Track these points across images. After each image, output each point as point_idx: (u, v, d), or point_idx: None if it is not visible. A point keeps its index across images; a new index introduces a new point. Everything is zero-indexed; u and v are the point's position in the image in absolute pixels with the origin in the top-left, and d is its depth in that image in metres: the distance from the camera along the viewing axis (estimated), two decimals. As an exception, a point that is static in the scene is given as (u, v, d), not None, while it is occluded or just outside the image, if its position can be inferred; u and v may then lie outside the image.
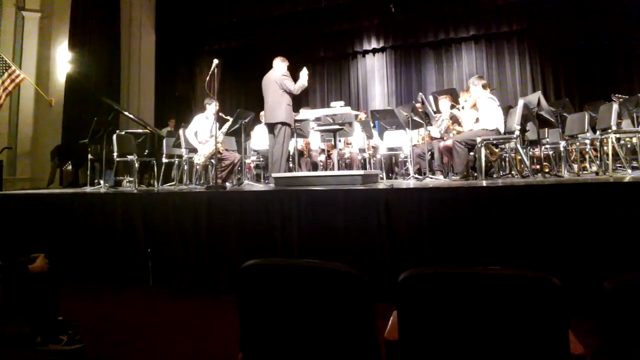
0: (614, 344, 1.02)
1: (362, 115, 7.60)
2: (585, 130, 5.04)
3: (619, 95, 6.07)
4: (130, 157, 5.93)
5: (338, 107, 5.31)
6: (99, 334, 2.81)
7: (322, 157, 7.08)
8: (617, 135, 4.74)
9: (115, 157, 5.81)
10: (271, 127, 5.40)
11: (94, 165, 6.45)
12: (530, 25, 9.87)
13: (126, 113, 7.09)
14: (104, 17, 9.61)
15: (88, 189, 5.80)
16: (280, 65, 5.48)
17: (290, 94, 5.33)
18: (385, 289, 2.95)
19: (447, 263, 3.07)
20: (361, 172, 4.84)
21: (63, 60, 8.42)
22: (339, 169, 5.57)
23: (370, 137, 6.87)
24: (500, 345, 1.05)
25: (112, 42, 9.79)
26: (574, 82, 9.68)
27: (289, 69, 5.50)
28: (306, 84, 5.37)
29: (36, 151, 7.80)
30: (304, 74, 5.35)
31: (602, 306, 1.03)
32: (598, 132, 4.96)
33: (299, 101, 10.44)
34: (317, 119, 5.91)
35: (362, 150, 7.10)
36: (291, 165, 6.52)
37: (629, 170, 4.92)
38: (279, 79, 5.28)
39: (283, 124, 5.26)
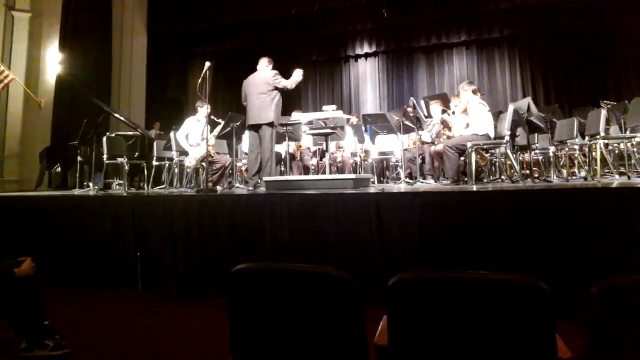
0: (600, 347, 1.03)
1: (354, 119, 7.62)
2: (574, 135, 5.09)
3: (608, 102, 6.15)
4: (120, 160, 5.89)
5: (330, 111, 5.31)
6: (86, 338, 2.78)
7: (314, 161, 7.08)
8: (605, 141, 4.79)
9: (105, 159, 5.76)
10: (256, 127, 5.32)
11: (83, 168, 6.38)
12: (521, 31, 9.98)
13: (116, 115, 7.03)
14: (95, 18, 9.53)
15: (77, 191, 5.75)
16: (267, 67, 5.44)
17: (284, 91, 5.29)
18: (376, 293, 2.96)
19: (438, 267, 3.09)
20: (352, 176, 4.85)
21: (53, 61, 8.33)
22: (330, 173, 5.57)
23: (361, 141, 6.89)
24: (488, 349, 1.06)
25: (103, 43, 9.72)
26: (564, 88, 9.80)
27: (279, 70, 5.45)
28: (300, 78, 5.32)
29: (24, 153, 7.70)
30: (297, 72, 5.32)
31: (589, 310, 1.04)
32: (587, 138, 5.01)
33: (291, 104, 10.47)
34: (309, 123, 5.92)
35: (353, 154, 7.12)
36: (282, 168, 6.51)
37: (617, 176, 4.98)
38: (270, 79, 5.22)
39: (270, 124, 5.21)
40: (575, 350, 1.18)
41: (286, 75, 5.32)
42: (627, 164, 5.17)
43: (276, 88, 5.22)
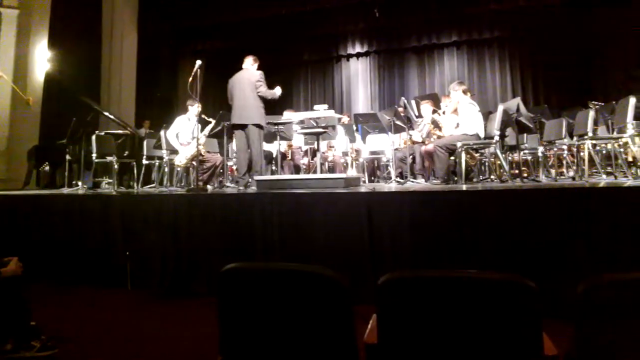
0: (586, 345, 1.05)
1: (345, 119, 7.63)
2: (563, 136, 5.14)
3: (595, 102, 6.22)
4: (109, 158, 5.84)
5: (321, 110, 5.31)
6: (74, 338, 2.75)
7: (305, 160, 7.08)
8: (593, 142, 4.85)
9: (94, 158, 5.71)
10: (243, 127, 5.29)
11: (72, 166, 6.32)
12: (510, 32, 10.07)
13: (106, 113, 6.96)
14: (85, 16, 9.44)
15: (65, 190, 5.69)
16: (253, 65, 5.41)
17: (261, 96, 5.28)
18: (366, 292, 2.96)
19: (427, 266, 3.10)
20: (343, 175, 4.86)
21: (42, 59, 8.23)
22: (321, 172, 5.57)
23: (353, 140, 6.90)
24: (476, 346, 1.06)
25: (93, 41, 9.61)
26: (553, 89, 9.90)
27: (269, 70, 5.42)
28: (277, 96, 5.33)
29: (12, 151, 7.60)
30: (278, 89, 5.34)
31: (576, 308, 1.05)
32: (575, 138, 5.07)
33: (282, 103, 10.43)
34: (301, 122, 5.91)
35: (344, 154, 7.12)
36: (273, 168, 6.50)
37: (604, 176, 5.05)
38: (254, 81, 5.21)
39: (256, 124, 5.19)
40: (561, 347, 1.19)
41: (277, 78, 5.31)
42: (614, 164, 5.24)
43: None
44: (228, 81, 5.46)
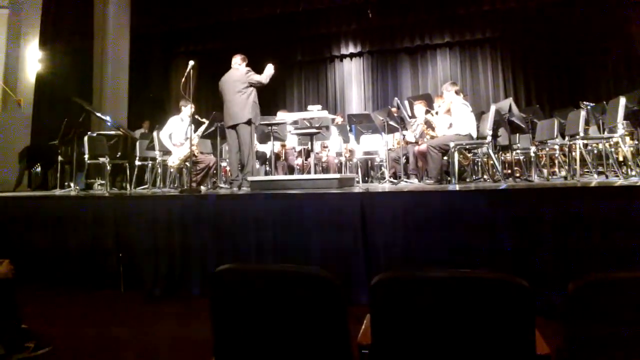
0: (577, 343, 1.06)
1: (339, 119, 7.64)
2: (555, 136, 5.18)
3: (587, 103, 6.27)
4: (102, 160, 5.80)
5: (315, 111, 5.31)
6: (66, 341, 2.73)
7: (299, 161, 7.08)
8: (585, 141, 4.89)
9: (86, 159, 5.67)
10: (234, 127, 5.27)
11: (64, 168, 6.26)
12: (502, 33, 10.14)
13: (98, 114, 6.92)
14: (76, 16, 9.36)
15: (58, 192, 5.65)
16: (241, 64, 5.40)
17: (259, 87, 5.24)
18: (359, 292, 2.98)
19: (421, 266, 3.11)
20: (337, 175, 4.86)
21: (33, 59, 8.16)
22: (315, 173, 5.57)
23: (346, 141, 6.91)
24: (469, 345, 1.07)
25: (85, 41, 9.54)
26: (544, 89, 9.99)
27: (262, 71, 5.40)
28: (272, 72, 5.29)
29: (3, 152, 7.52)
30: (269, 66, 5.29)
31: (567, 306, 1.06)
32: (566, 138, 5.11)
33: (276, 104, 10.43)
34: (295, 122, 5.91)
35: (338, 154, 7.14)
36: (267, 168, 6.49)
37: (595, 176, 5.09)
38: (244, 77, 5.18)
39: (247, 122, 5.17)
40: (554, 346, 1.20)
41: (271, 78, 5.29)
42: (605, 164, 5.28)
43: (251, 85, 5.19)
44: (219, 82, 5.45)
